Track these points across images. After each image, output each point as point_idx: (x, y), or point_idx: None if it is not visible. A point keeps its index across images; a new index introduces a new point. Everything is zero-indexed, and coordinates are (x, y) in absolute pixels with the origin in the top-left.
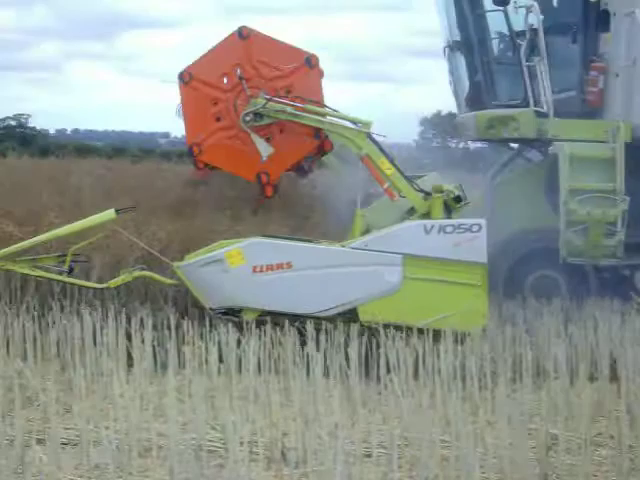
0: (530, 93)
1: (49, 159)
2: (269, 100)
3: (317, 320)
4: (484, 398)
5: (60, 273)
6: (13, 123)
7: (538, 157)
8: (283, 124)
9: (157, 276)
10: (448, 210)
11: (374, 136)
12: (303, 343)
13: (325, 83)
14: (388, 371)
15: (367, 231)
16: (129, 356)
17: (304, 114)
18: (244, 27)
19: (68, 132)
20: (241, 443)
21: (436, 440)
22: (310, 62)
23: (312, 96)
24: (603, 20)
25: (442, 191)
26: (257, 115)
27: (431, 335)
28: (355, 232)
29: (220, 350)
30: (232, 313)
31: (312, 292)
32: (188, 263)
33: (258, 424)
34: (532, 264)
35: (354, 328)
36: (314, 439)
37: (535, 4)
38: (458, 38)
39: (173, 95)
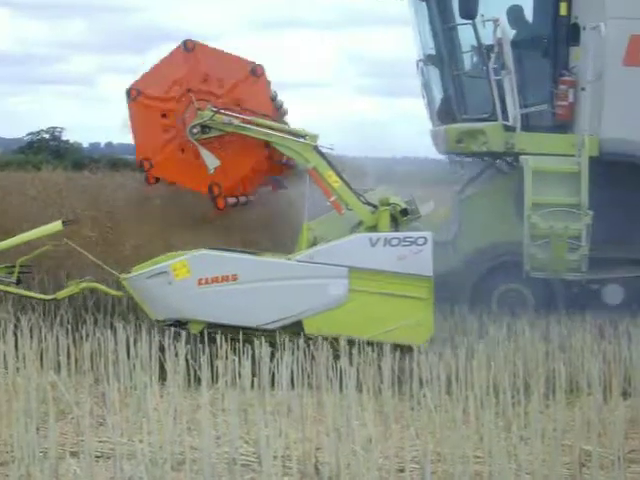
0: (498, 107)
1: (82, 172)
2: (216, 112)
3: (263, 332)
4: (517, 414)
5: (8, 284)
6: (47, 136)
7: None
8: (233, 135)
9: (104, 287)
10: (396, 223)
11: (321, 149)
12: (336, 357)
13: (357, 97)
14: (421, 386)
15: (314, 244)
16: (162, 369)
17: (251, 127)
18: (189, 40)
19: (102, 146)
20: (274, 457)
21: (469, 456)
22: (255, 72)
23: (259, 106)
24: (573, 34)
25: (389, 204)
26: (205, 128)
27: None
28: (302, 245)
29: (253, 364)
30: (179, 325)
31: (257, 305)
32: (134, 275)
33: (291, 438)
34: (499, 278)
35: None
36: (347, 454)
37: (500, 18)
38: (430, 52)
39: None
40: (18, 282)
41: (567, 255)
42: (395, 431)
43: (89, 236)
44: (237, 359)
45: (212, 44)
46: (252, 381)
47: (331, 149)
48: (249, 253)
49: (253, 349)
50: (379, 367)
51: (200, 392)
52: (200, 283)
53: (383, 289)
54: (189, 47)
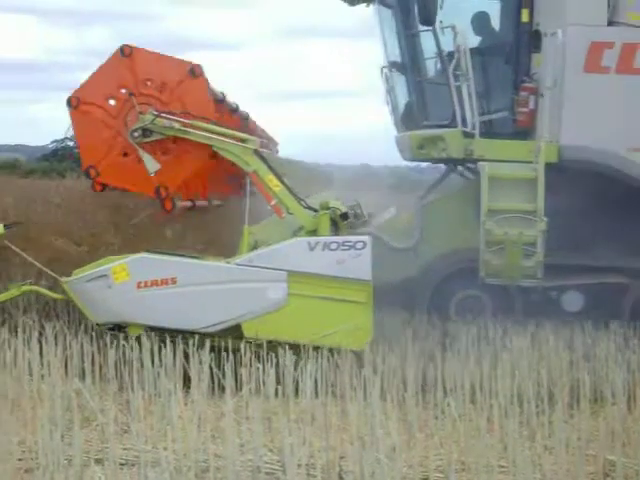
0: (458, 113)
1: None
2: (157, 116)
3: (203, 336)
4: (541, 423)
5: None
6: (71, 144)
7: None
8: (177, 139)
9: (44, 290)
10: (336, 227)
11: (262, 153)
12: (360, 366)
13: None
14: (445, 395)
15: (255, 248)
16: (186, 377)
17: (192, 130)
18: (126, 45)
19: None
20: (298, 465)
21: (493, 465)
22: (194, 72)
23: (200, 105)
24: (535, 41)
25: (328, 208)
26: (146, 131)
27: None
28: (242, 249)
29: (277, 372)
30: (118, 329)
31: (196, 308)
32: (75, 278)
33: (315, 446)
34: (457, 284)
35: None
36: (371, 462)
37: (457, 25)
38: (395, 58)
39: None
40: None
41: (522, 261)
42: (419, 440)
43: (111, 243)
44: (261, 367)
45: (234, 53)
46: (276, 389)
47: (276, 153)
48: (189, 257)
49: (277, 357)
50: (403, 375)
51: (224, 400)
52: (139, 286)
53: (322, 293)
54: (126, 52)
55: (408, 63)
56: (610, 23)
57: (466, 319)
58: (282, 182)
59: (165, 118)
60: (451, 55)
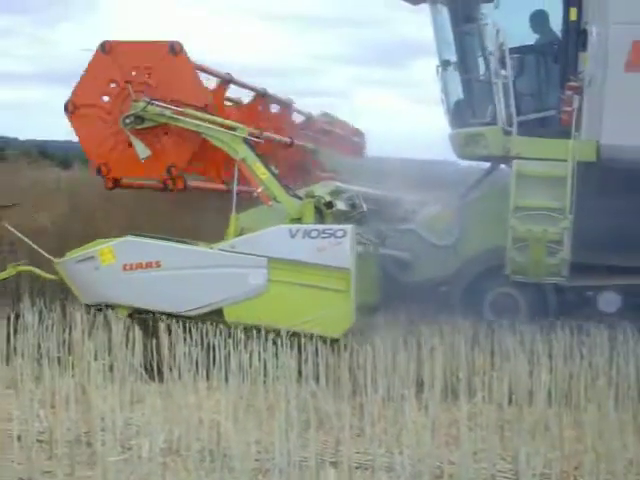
0: (499, 111)
1: None
2: (149, 103)
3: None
4: None
5: None
6: None
7: None
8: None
9: (38, 271)
10: (321, 215)
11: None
12: (595, 378)
13: None
14: None
15: (241, 235)
16: (419, 382)
17: (183, 118)
18: (105, 41)
19: None
20: (533, 475)
21: None
22: (174, 49)
23: (185, 83)
24: (583, 39)
25: (313, 196)
26: (138, 118)
27: None
28: (229, 236)
29: (510, 380)
30: (106, 309)
31: (180, 291)
32: (66, 259)
33: (550, 456)
34: (491, 281)
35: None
36: (607, 474)
37: (498, 23)
38: (447, 57)
39: None
40: None
41: (547, 259)
42: None
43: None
44: (495, 374)
45: None
46: (510, 397)
47: (261, 141)
48: (175, 241)
49: (510, 365)
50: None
51: (458, 406)
52: (125, 269)
53: (302, 280)
54: (107, 48)
55: (457, 61)
56: None
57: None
58: (269, 170)
59: (158, 106)
60: (493, 53)
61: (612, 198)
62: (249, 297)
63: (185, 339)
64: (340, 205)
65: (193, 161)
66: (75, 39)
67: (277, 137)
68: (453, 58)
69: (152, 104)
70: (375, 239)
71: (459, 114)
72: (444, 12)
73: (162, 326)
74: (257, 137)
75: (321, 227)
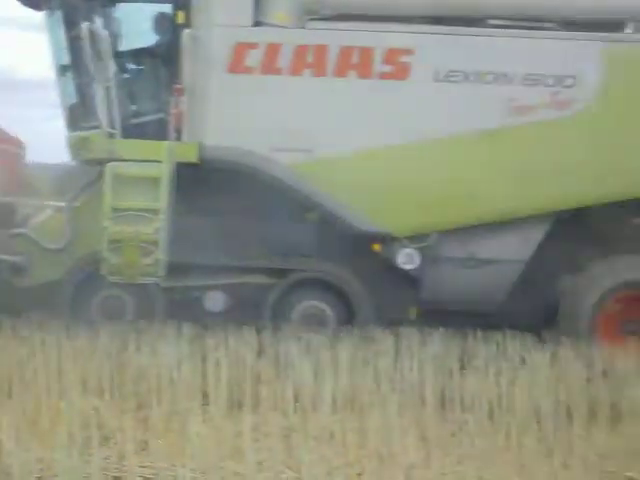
0: (102, 114)
1: None
2: None
3: None
4: (559, 439)
5: None
6: None
7: None
8: None
9: None
10: None
11: None
12: (378, 382)
13: None
14: (463, 411)
15: None
16: (204, 394)
17: None
18: None
19: None
20: None
21: None
22: None
23: None
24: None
25: None
26: None
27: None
28: None
29: (295, 388)
30: None
31: None
32: None
33: (334, 463)
34: (97, 285)
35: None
36: (389, 479)
37: (99, 28)
38: (62, 62)
39: None
40: None
41: (141, 260)
42: (437, 456)
43: None
44: (279, 383)
45: None
46: (294, 406)
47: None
48: None
49: (295, 373)
50: (421, 392)
51: (242, 416)
52: None
53: None
54: None
55: (71, 66)
56: (257, 24)
57: (109, 319)
58: None
59: None
60: (97, 58)
61: (216, 198)
62: None
63: None
64: None
65: None
66: None
67: None
68: (65, 62)
69: None
70: None
71: (73, 118)
72: (58, 16)
73: None
74: None
75: None
